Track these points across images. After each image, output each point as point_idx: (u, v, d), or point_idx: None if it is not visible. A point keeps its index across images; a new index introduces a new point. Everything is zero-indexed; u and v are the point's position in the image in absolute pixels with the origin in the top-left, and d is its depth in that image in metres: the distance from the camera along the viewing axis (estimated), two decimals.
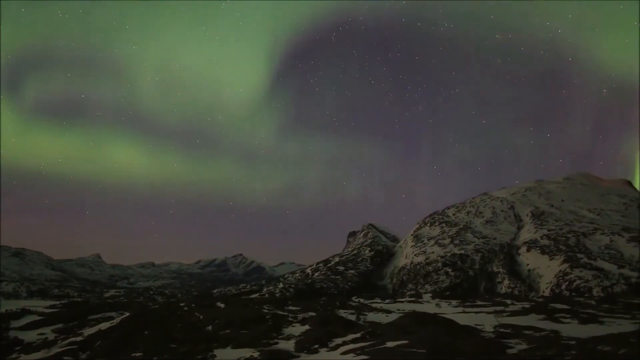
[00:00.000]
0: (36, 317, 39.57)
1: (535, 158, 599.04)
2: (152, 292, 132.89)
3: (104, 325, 30.29)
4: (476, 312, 32.78)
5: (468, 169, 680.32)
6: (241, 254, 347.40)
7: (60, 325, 35.29)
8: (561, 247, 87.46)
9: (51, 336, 30.77)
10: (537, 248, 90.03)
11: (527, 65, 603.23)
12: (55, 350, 25.31)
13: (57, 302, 73.52)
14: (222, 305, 33.62)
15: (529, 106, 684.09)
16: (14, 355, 25.39)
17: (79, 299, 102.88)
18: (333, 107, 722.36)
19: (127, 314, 35.72)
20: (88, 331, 29.86)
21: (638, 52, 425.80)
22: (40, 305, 59.99)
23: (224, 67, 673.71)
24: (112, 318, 36.27)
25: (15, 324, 36.64)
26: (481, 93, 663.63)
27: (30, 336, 31.07)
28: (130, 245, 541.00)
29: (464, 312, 33.65)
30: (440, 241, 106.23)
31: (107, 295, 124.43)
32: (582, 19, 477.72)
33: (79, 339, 27.43)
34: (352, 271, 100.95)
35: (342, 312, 31.30)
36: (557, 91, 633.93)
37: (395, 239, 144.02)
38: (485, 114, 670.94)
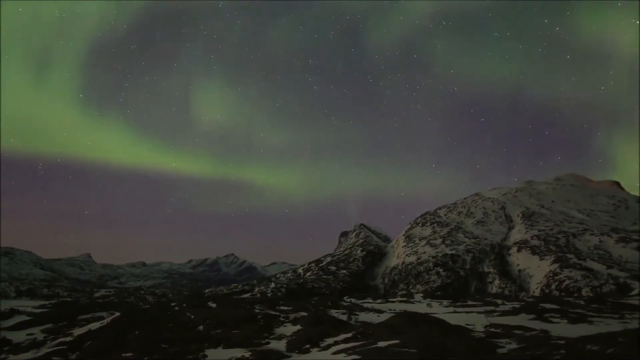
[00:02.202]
0: (25, 317, 39.16)
1: (533, 155, 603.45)
2: (142, 292, 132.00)
3: (94, 326, 30.05)
4: (467, 312, 32.92)
5: (467, 166, 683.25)
6: (233, 254, 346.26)
7: (49, 326, 34.95)
8: (551, 247, 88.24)
9: (40, 336, 30.47)
10: (528, 248, 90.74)
11: (525, 63, 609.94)
12: (44, 350, 25.06)
13: (47, 302, 72.84)
14: (214, 305, 33.46)
15: (527, 103, 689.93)
16: (2, 356, 25.09)
17: (69, 299, 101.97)
18: (331, 104, 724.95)
19: (118, 314, 35.45)
20: (78, 331, 29.60)
21: (638, 50, 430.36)
22: (29, 305, 59.36)
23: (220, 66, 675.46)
24: (102, 318, 35.98)
25: (3, 324, 36.22)
26: (480, 91, 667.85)
27: (19, 336, 30.74)
28: (121, 244, 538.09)
29: (454, 312, 33.79)
30: (431, 241, 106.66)
31: (97, 295, 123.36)
32: (580, 17, 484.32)
33: (68, 339, 27.20)
34: (344, 271, 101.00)
35: (334, 312, 31.30)
36: (556, 88, 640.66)
37: (387, 239, 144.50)
38: (484, 111, 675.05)
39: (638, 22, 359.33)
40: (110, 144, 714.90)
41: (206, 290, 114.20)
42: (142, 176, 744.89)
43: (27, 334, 31.61)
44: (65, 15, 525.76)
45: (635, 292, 60.91)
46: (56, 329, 33.36)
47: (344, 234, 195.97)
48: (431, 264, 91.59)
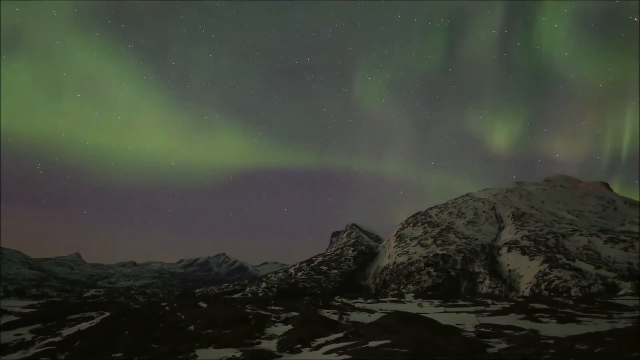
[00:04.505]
0: (13, 318, 38.70)
1: (532, 154, 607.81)
2: (133, 292, 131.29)
3: (84, 326, 29.80)
4: (457, 312, 33.07)
5: (466, 165, 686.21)
6: (224, 254, 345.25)
7: (38, 326, 34.56)
8: (541, 247, 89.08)
9: (29, 337, 30.12)
10: (518, 249, 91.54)
11: (524, 61, 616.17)
12: (32, 351, 24.81)
13: (35, 302, 72.12)
14: (205, 305, 33.31)
15: (526, 101, 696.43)
16: None
17: (58, 299, 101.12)
18: (330, 103, 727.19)
19: (108, 314, 35.17)
20: (67, 331, 29.33)
21: (637, 48, 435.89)
22: (17, 305, 58.76)
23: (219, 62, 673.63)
24: (92, 318, 35.68)
25: None
26: (479, 89, 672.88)
27: (7, 337, 30.37)
28: (112, 243, 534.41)
29: (445, 312, 33.95)
30: (422, 241, 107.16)
31: (87, 294, 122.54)
32: (578, 15, 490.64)
33: (57, 339, 26.94)
34: (335, 271, 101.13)
35: (325, 312, 31.29)
36: (554, 86, 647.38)
37: (378, 239, 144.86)
38: (482, 109, 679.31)
39: (636, 19, 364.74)
40: (110, 143, 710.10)
41: (197, 290, 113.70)
42: (142, 175, 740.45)
43: (15, 335, 31.23)
44: (62, 15, 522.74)
45: (623, 292, 61.71)
46: (45, 329, 33.00)
47: (336, 234, 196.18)
48: (422, 264, 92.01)
